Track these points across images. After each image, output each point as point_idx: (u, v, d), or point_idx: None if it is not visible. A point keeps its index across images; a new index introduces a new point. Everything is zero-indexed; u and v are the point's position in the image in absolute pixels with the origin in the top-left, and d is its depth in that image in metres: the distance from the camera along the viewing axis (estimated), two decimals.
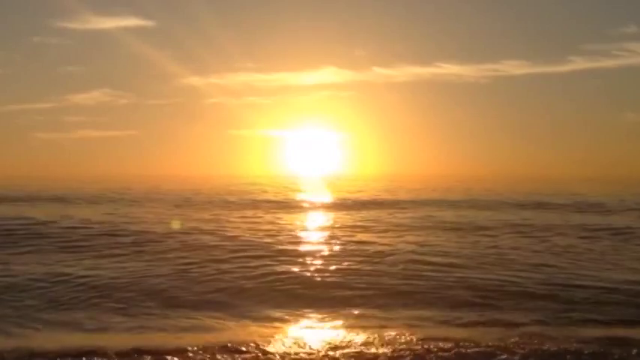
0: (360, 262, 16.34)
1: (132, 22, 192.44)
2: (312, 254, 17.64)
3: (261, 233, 22.15)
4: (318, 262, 16.40)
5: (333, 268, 15.51)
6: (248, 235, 21.53)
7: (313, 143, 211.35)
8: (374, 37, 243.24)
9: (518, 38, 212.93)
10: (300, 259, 16.60)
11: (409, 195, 49.78)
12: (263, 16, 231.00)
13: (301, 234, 22.87)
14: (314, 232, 23.68)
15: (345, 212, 32.90)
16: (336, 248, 18.76)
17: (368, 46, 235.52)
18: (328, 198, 46.38)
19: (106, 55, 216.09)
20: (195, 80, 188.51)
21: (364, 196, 48.84)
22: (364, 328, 10.46)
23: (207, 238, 20.25)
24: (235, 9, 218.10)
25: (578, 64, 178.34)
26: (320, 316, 11.45)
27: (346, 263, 16.11)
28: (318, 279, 14.37)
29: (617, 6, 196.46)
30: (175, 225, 25.39)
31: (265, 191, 55.21)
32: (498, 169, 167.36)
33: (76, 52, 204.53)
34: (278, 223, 26.27)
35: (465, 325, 10.70)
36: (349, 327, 10.55)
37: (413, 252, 17.74)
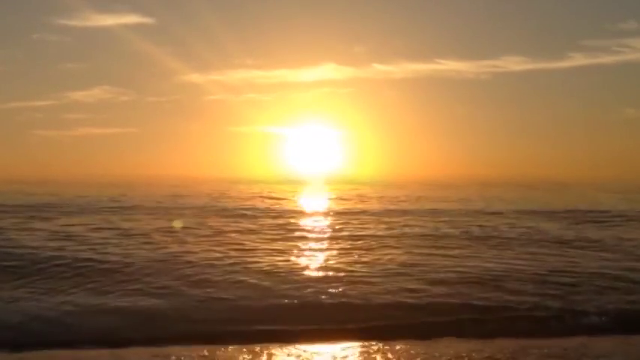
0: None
1: (132, 19, 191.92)
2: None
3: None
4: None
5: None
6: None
7: (313, 140, 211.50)
8: (373, 34, 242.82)
9: (518, 34, 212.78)
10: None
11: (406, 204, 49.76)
12: (262, 12, 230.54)
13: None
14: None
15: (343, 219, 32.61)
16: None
17: (367, 43, 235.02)
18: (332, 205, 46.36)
19: (106, 52, 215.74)
20: (195, 77, 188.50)
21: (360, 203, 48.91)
22: None
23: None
24: (235, 6, 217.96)
25: (577, 60, 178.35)
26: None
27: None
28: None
29: (616, 2, 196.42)
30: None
31: (268, 198, 55.25)
32: (497, 169, 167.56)
33: (76, 50, 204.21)
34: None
35: None
36: None
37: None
